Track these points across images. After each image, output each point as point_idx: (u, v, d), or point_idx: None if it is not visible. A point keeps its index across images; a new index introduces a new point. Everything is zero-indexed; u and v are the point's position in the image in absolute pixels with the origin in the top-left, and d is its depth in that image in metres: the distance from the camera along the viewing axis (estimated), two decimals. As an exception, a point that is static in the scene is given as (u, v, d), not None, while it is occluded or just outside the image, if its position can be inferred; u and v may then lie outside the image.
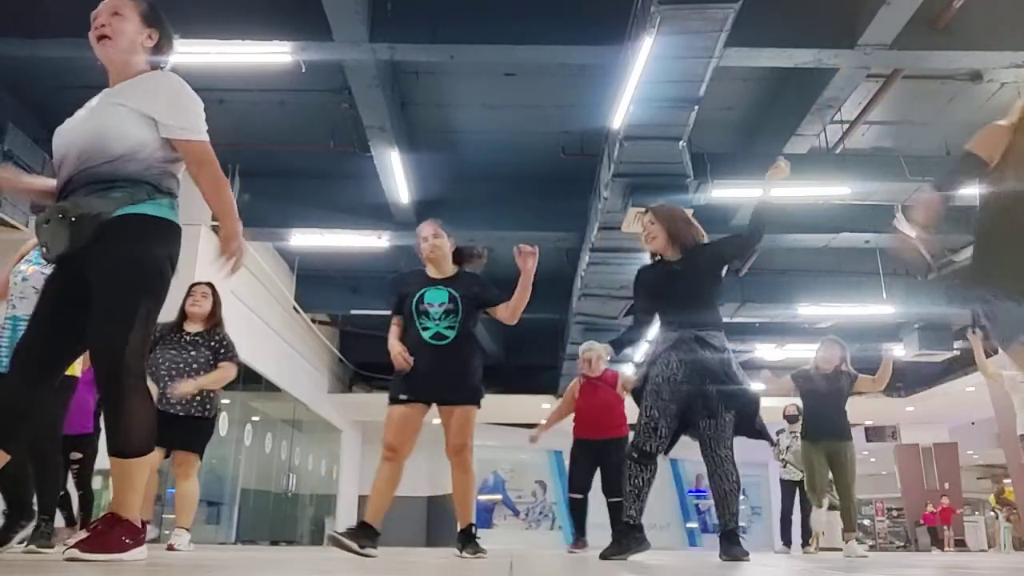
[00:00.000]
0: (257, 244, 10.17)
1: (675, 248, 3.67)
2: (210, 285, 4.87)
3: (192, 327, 4.71)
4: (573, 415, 6.09)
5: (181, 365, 4.54)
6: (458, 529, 3.76)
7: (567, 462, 6.30)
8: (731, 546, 3.37)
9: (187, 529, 4.60)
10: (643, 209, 3.83)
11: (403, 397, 3.67)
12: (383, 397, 3.92)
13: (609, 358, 5.39)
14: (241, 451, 11.79)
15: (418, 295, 3.76)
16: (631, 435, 3.61)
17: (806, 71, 6.86)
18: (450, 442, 3.74)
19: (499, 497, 18.58)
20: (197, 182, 2.34)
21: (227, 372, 4.63)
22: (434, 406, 3.75)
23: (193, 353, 4.59)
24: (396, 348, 3.67)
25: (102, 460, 5.02)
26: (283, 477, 13.28)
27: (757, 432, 3.54)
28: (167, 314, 4.75)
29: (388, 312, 3.91)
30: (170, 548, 4.41)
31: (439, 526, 18.41)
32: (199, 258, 9.03)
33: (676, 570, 2.61)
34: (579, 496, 5.89)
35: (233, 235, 2.30)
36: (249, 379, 11.04)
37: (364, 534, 3.48)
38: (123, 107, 2.28)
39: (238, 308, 10.15)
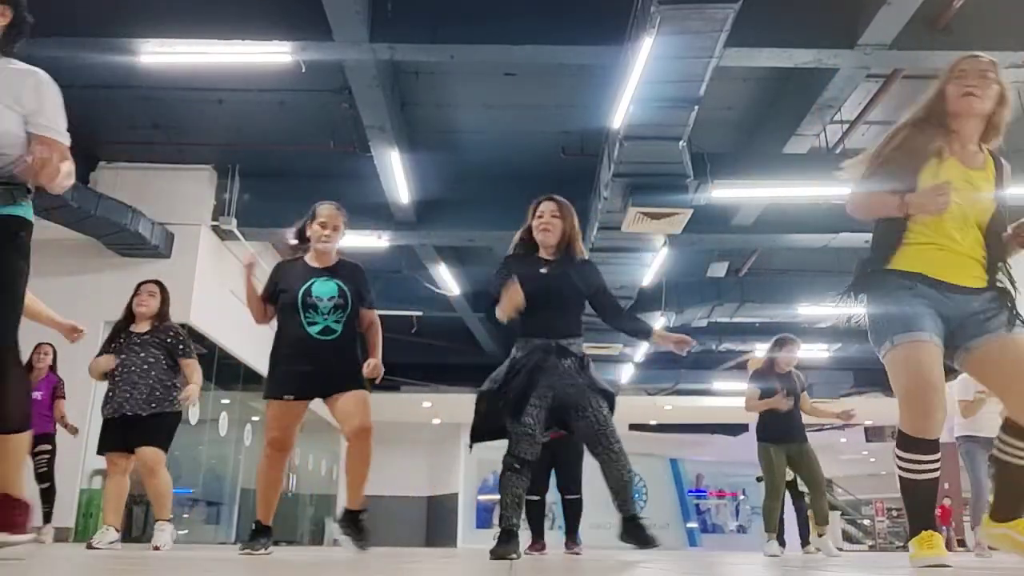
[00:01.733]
0: (257, 244, 10.17)
1: (559, 250, 3.55)
2: (158, 283, 4.80)
3: (139, 327, 4.66)
4: None
5: (133, 368, 4.51)
6: (345, 509, 3.64)
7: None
8: (640, 531, 3.23)
9: (168, 520, 4.57)
10: (548, 198, 3.59)
11: (288, 397, 3.56)
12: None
13: None
14: (241, 451, 11.77)
15: (304, 287, 3.59)
16: None
17: (806, 71, 6.86)
18: (352, 423, 3.52)
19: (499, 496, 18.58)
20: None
21: (198, 373, 4.65)
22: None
23: (143, 355, 4.55)
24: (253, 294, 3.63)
25: (100, 460, 5.06)
26: (283, 477, 13.25)
27: None
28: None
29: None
30: (156, 549, 4.37)
31: (439, 526, 18.43)
32: (199, 256, 9.04)
33: (675, 570, 2.61)
34: (535, 498, 5.86)
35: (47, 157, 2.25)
36: (249, 379, 11.04)
37: (265, 536, 3.66)
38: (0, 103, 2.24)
39: (238, 308, 10.14)
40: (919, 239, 2.41)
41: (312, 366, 3.52)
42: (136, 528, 8.37)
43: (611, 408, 3.39)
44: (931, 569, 2.25)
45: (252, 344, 10.58)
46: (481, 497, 18.61)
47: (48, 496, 5.95)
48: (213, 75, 7.34)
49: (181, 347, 4.67)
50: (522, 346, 3.42)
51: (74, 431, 6.41)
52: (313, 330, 3.56)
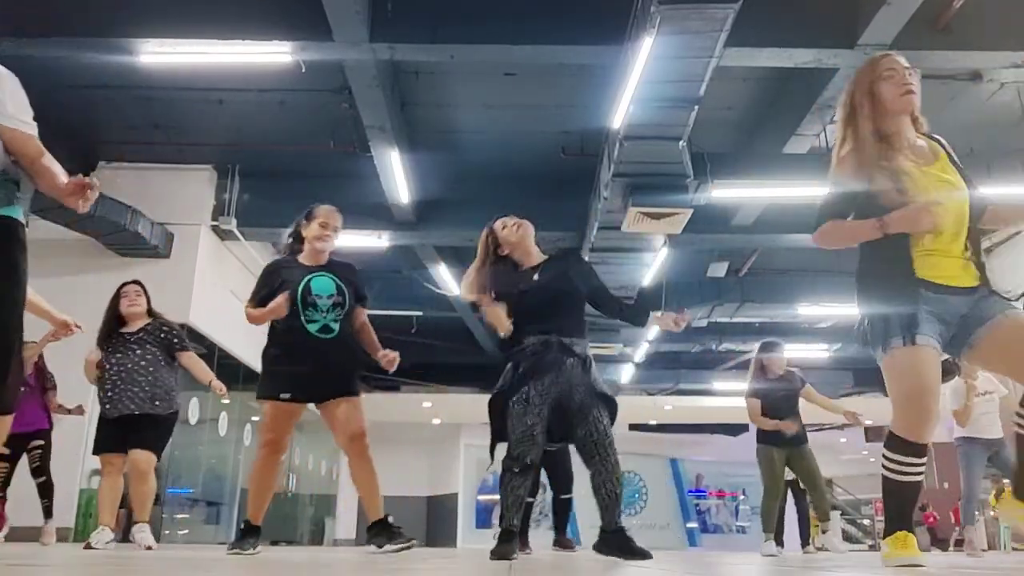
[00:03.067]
0: (257, 244, 10.17)
1: (532, 254, 3.62)
2: (138, 283, 4.80)
3: (131, 327, 4.66)
4: None
5: (129, 366, 4.51)
6: (369, 523, 3.55)
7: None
8: (628, 542, 3.23)
9: (147, 522, 4.57)
10: (509, 217, 3.71)
11: (284, 396, 3.53)
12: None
13: None
14: (241, 451, 11.77)
15: (303, 284, 3.57)
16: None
17: (806, 71, 6.86)
18: (347, 430, 3.52)
19: (499, 497, 18.60)
20: (34, 174, 2.35)
21: (200, 362, 4.70)
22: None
23: (139, 351, 4.56)
24: (271, 304, 3.47)
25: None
26: (283, 477, 13.27)
27: None
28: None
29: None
30: (149, 548, 4.38)
31: (439, 526, 18.42)
32: (199, 256, 9.04)
33: (675, 570, 2.61)
34: (529, 500, 5.85)
35: (78, 183, 2.34)
36: (249, 379, 11.03)
37: (254, 536, 3.60)
38: None
39: (238, 308, 10.12)
40: (923, 249, 2.39)
41: (310, 366, 3.50)
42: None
43: (612, 417, 3.36)
44: (906, 568, 2.26)
45: (252, 344, 10.58)
46: (481, 497, 18.60)
47: (46, 490, 5.96)
48: (213, 75, 7.34)
49: (176, 340, 4.69)
50: (524, 341, 3.38)
51: (80, 411, 6.38)
52: (312, 328, 3.54)
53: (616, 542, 3.27)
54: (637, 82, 5.93)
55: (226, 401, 11.14)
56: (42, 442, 5.79)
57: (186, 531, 10.21)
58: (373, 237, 9.40)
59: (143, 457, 4.48)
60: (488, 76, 7.56)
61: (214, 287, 9.32)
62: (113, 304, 4.70)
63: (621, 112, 6.48)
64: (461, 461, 18.40)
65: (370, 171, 8.19)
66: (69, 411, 6.20)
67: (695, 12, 5.21)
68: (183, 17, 6.34)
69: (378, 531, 3.52)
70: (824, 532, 5.73)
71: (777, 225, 9.35)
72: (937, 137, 2.60)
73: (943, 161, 2.51)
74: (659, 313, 3.49)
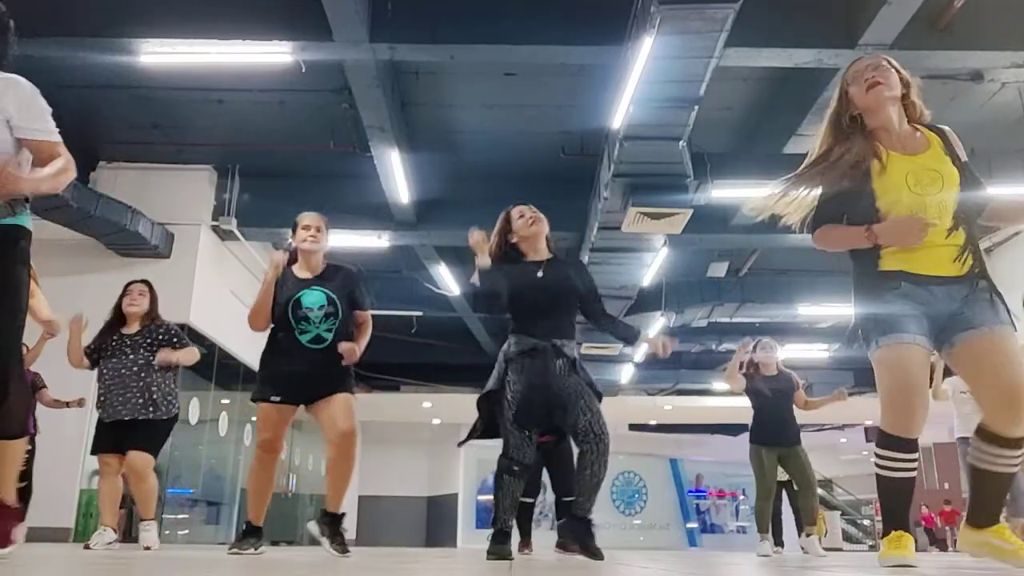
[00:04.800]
0: (257, 244, 10.17)
1: (539, 251, 3.64)
2: (146, 283, 4.79)
3: (129, 328, 4.65)
4: None
5: (123, 371, 4.51)
6: (324, 511, 3.57)
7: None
8: (592, 537, 3.26)
9: (152, 519, 4.60)
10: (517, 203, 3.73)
11: (275, 399, 3.59)
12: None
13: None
14: (241, 451, 11.77)
15: (293, 300, 3.63)
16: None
17: (806, 71, 6.86)
18: (337, 426, 3.51)
19: (494, 498, 18.60)
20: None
21: (192, 351, 4.66)
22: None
23: (132, 356, 4.55)
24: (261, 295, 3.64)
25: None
26: (283, 477, 13.26)
27: None
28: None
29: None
30: (147, 549, 4.38)
31: (439, 526, 18.42)
32: (199, 256, 9.04)
33: (675, 570, 2.61)
34: (528, 500, 5.86)
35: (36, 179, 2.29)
36: (249, 379, 11.03)
37: (255, 537, 3.63)
38: None
39: (238, 308, 10.14)
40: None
41: (304, 373, 3.56)
42: (135, 528, 8.37)
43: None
44: (899, 569, 2.27)
45: (252, 344, 10.57)
46: (481, 497, 18.60)
47: (24, 495, 5.95)
48: (213, 75, 7.34)
49: (175, 340, 4.67)
50: (515, 343, 3.46)
51: (81, 403, 6.36)
52: (304, 339, 3.60)
53: (579, 531, 3.29)
54: (637, 82, 5.93)
55: (226, 401, 11.14)
56: (29, 447, 5.73)
57: (186, 531, 10.20)
58: (373, 237, 9.40)
59: (139, 459, 4.49)
60: (488, 76, 7.56)
61: (214, 287, 9.32)
62: (117, 302, 4.70)
63: (621, 112, 6.48)
64: (461, 461, 18.39)
65: (370, 171, 8.19)
66: (67, 404, 6.15)
67: (695, 12, 5.21)
68: (183, 17, 6.34)
69: (328, 522, 3.53)
70: (808, 536, 5.72)
71: (777, 225, 9.33)
72: (941, 127, 2.58)
73: (935, 149, 2.50)
74: (650, 334, 3.56)
